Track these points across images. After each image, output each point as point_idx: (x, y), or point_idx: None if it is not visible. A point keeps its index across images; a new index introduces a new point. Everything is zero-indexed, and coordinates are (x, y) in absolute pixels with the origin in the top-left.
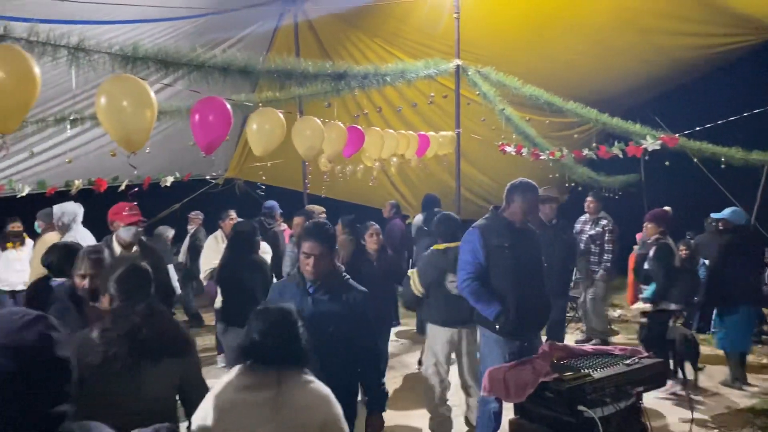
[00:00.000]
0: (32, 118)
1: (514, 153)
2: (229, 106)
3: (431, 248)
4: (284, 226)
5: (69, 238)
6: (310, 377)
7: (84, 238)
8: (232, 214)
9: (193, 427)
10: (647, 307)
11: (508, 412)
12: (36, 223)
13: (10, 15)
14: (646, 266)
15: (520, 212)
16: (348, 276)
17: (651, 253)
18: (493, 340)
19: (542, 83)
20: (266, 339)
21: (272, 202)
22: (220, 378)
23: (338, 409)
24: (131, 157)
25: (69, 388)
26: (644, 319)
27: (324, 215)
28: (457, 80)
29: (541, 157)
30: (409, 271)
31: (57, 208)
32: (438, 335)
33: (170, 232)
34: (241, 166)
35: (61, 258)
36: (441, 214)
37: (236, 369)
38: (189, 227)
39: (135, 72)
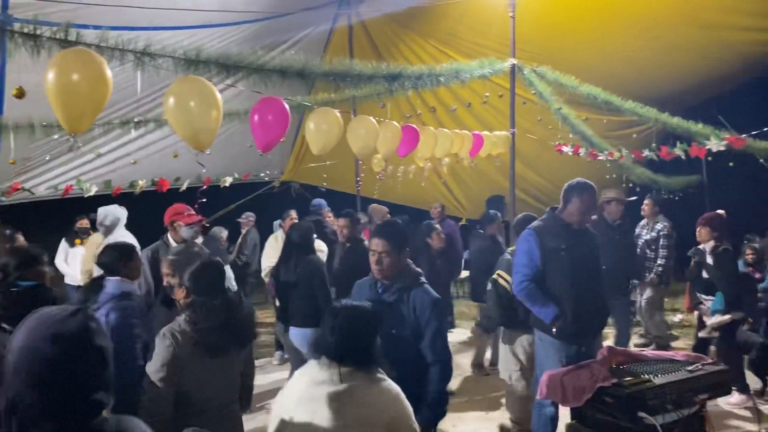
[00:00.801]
0: (99, 120)
1: (571, 153)
2: (287, 106)
3: (508, 249)
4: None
5: (111, 240)
6: (382, 376)
7: (126, 240)
8: (293, 214)
9: (272, 418)
10: (726, 319)
11: (565, 416)
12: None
13: (82, 23)
14: (704, 275)
15: (578, 213)
16: (423, 279)
17: (710, 260)
18: (549, 344)
19: (600, 81)
20: (337, 336)
21: (319, 200)
22: (271, 374)
23: (408, 408)
24: (199, 155)
25: (107, 377)
26: (717, 333)
27: (389, 216)
28: (512, 79)
29: (599, 158)
30: (497, 273)
31: (101, 211)
32: (522, 340)
33: (224, 233)
34: (297, 168)
35: (113, 258)
36: (522, 215)
37: (309, 364)
38: (242, 229)
39: (197, 75)
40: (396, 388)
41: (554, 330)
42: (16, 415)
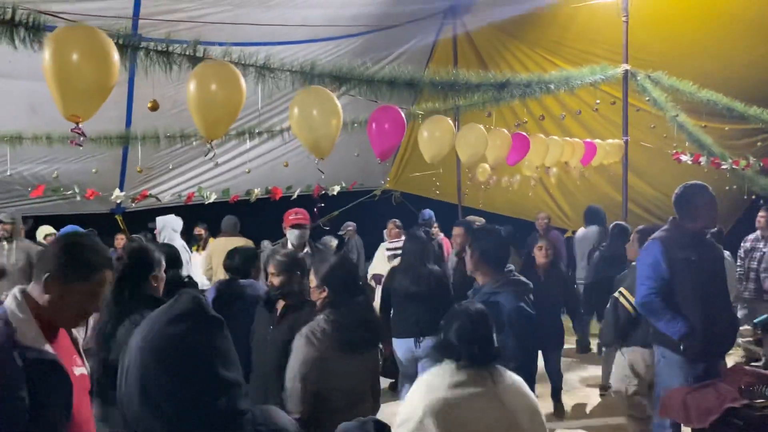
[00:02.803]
0: None
1: (690, 162)
2: (403, 115)
3: (632, 264)
4: (442, 235)
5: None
6: (508, 371)
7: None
8: (396, 222)
9: (398, 424)
10: None
11: None
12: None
13: (208, 40)
14: None
15: (703, 218)
16: (513, 287)
17: None
18: (674, 362)
19: (719, 87)
20: (467, 337)
21: (429, 212)
22: None
23: (536, 399)
24: (319, 163)
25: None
26: None
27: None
28: (624, 86)
29: (722, 167)
30: (618, 291)
31: (159, 221)
32: (642, 358)
33: (333, 242)
34: (398, 177)
35: (244, 262)
36: (644, 225)
37: (437, 369)
38: (345, 237)
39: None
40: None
41: (682, 347)
42: (151, 402)
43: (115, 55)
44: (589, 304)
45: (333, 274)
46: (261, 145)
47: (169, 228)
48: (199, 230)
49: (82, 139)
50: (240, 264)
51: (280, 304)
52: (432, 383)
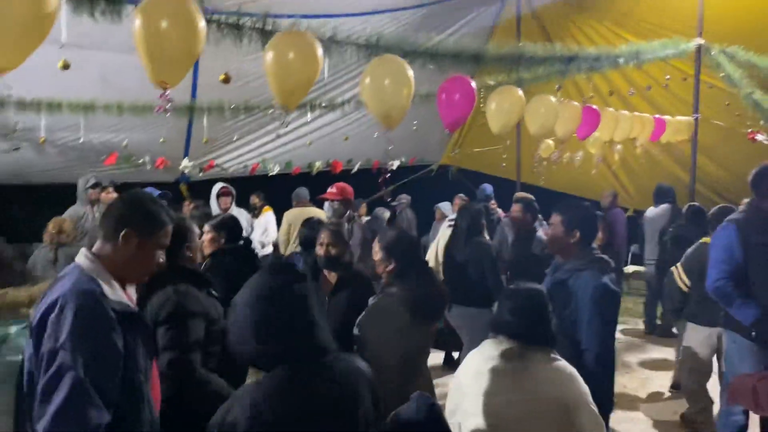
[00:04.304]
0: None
1: (766, 142)
2: (474, 85)
3: (698, 241)
4: (500, 211)
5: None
6: (557, 356)
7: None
8: (462, 196)
9: (451, 392)
10: None
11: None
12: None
13: (276, 12)
14: None
15: None
16: (600, 265)
17: None
18: (745, 348)
19: None
20: (515, 315)
21: (489, 187)
22: None
23: (586, 388)
24: (387, 133)
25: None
26: None
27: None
28: (697, 60)
29: None
30: (674, 267)
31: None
32: (697, 334)
33: (387, 214)
34: (456, 152)
35: (315, 233)
36: (719, 206)
37: (485, 342)
38: (397, 210)
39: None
40: (571, 368)
41: (753, 333)
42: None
43: (202, 23)
44: (658, 284)
45: (399, 246)
46: (321, 118)
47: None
48: (255, 199)
49: (169, 105)
50: (312, 235)
51: (331, 275)
52: (475, 357)
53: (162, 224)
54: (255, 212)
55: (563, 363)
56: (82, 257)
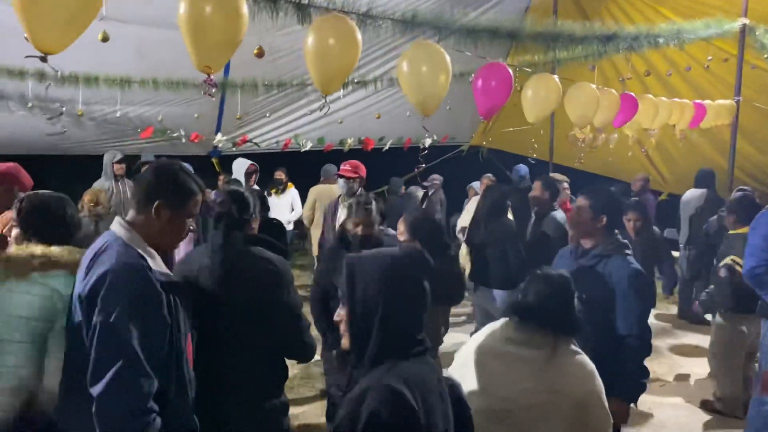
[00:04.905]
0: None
1: None
2: (511, 72)
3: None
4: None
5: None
6: (577, 349)
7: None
8: (490, 176)
9: (454, 366)
10: None
11: None
12: None
13: None
14: None
15: None
16: (629, 251)
17: None
18: None
19: None
20: (537, 301)
21: (524, 168)
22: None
23: (602, 387)
24: (424, 120)
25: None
26: None
27: (567, 184)
28: (741, 41)
29: None
30: (731, 259)
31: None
32: (733, 324)
33: (420, 192)
34: (487, 133)
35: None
36: (742, 194)
37: (502, 321)
38: (429, 189)
39: (414, 36)
40: (591, 364)
41: None
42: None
43: (245, 8)
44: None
45: (423, 226)
46: (352, 94)
47: (241, 172)
48: (280, 174)
49: (213, 90)
50: None
51: None
52: (491, 329)
53: (192, 194)
54: (281, 188)
55: (585, 358)
56: (117, 226)
